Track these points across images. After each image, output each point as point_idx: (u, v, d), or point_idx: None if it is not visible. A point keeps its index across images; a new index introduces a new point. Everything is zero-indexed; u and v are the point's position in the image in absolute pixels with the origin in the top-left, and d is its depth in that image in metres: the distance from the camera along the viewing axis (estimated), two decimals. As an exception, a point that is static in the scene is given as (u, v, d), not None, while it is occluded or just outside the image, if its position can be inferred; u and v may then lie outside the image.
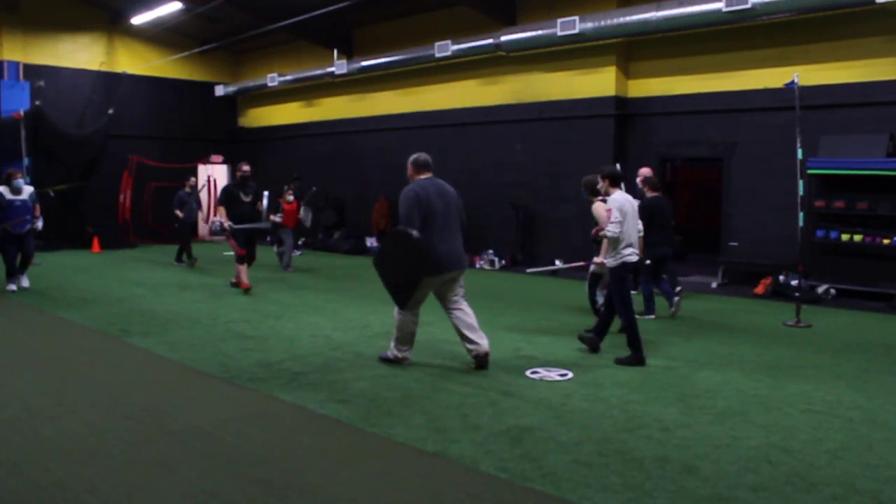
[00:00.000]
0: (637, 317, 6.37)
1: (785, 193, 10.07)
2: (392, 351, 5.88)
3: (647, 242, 7.63)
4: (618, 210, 5.99)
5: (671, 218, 8.36)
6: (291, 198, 12.56)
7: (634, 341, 5.97)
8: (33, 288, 9.60)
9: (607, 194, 6.31)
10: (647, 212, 7.62)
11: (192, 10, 14.91)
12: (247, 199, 9.64)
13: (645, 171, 8.49)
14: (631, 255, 6.10)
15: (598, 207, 6.88)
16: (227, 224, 9.40)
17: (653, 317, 8.01)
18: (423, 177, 5.60)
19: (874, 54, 9.61)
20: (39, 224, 9.63)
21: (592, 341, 6.38)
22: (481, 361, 5.69)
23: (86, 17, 16.71)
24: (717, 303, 9.50)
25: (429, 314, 8.26)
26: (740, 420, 4.56)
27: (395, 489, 3.52)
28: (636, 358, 5.96)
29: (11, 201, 9.19)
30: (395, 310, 5.77)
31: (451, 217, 5.54)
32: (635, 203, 6.37)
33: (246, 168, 9.80)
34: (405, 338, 5.81)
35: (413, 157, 5.74)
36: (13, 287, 9.35)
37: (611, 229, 5.98)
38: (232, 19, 15.94)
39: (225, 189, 9.93)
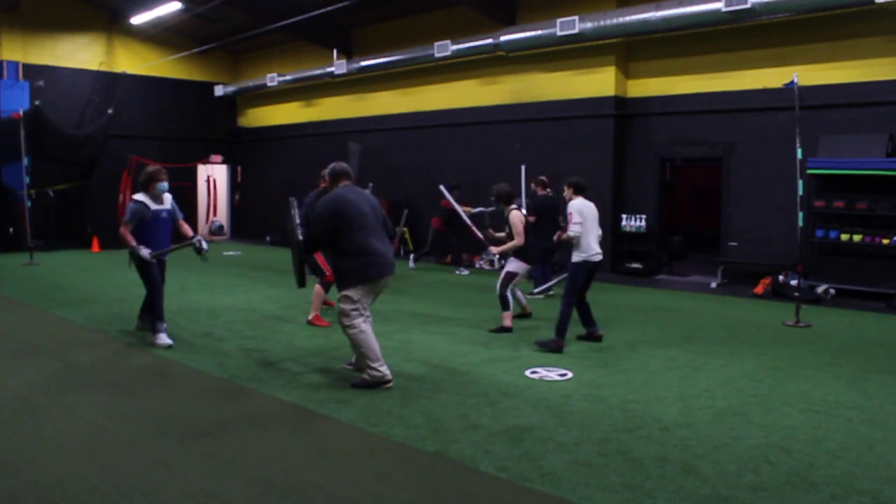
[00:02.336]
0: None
1: (784, 193, 10.08)
2: (368, 373, 5.23)
3: (538, 235, 8.67)
4: (577, 213, 6.60)
5: (559, 214, 9.49)
6: None
7: (563, 329, 6.47)
8: (33, 288, 9.58)
9: (570, 200, 6.84)
10: (538, 209, 9.35)
11: (192, 10, 14.90)
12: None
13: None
14: (596, 255, 6.63)
15: (514, 216, 7.45)
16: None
17: (542, 296, 9.26)
18: (341, 185, 5.41)
19: (874, 54, 9.61)
20: (205, 245, 6.73)
21: (556, 344, 6.47)
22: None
23: (85, 16, 16.70)
24: (716, 303, 9.50)
25: (430, 314, 8.27)
26: (740, 420, 4.56)
27: (394, 489, 3.52)
28: (557, 344, 6.42)
29: (157, 213, 6.51)
30: (350, 332, 5.25)
31: (378, 221, 5.37)
32: (594, 208, 6.86)
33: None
34: (373, 352, 5.22)
35: (329, 167, 5.58)
36: (165, 337, 6.52)
37: (573, 229, 6.54)
38: (231, 19, 15.92)
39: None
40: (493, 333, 7.20)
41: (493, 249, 7.76)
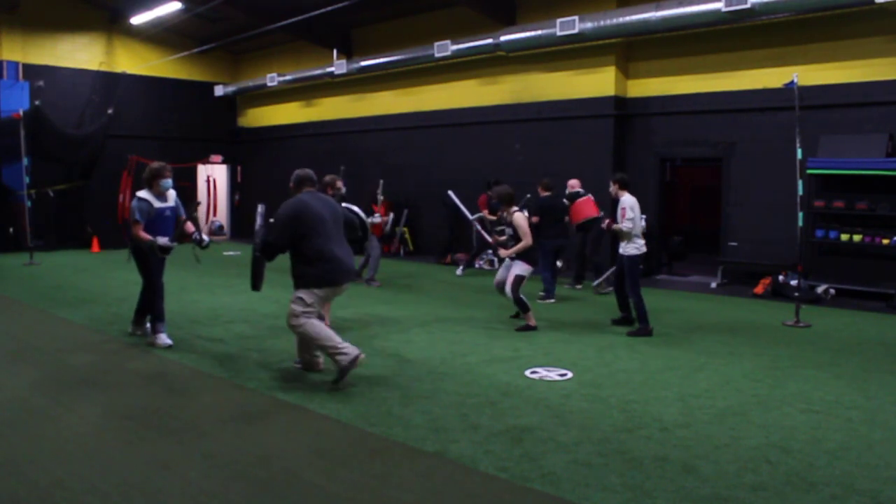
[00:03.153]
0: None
1: (784, 193, 10.08)
2: (336, 360, 5.16)
3: (543, 236, 9.03)
4: (630, 208, 7.17)
5: (564, 214, 9.77)
6: (381, 198, 11.01)
7: (644, 315, 7.17)
8: (33, 288, 9.59)
9: (618, 196, 7.41)
10: (541, 210, 9.45)
11: (192, 11, 14.90)
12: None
13: (572, 182, 10.30)
14: (643, 246, 7.34)
15: (518, 217, 7.57)
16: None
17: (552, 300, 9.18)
18: (304, 191, 5.45)
19: (874, 54, 9.61)
20: (206, 238, 6.84)
21: (644, 330, 7.17)
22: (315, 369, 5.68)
23: (85, 17, 16.70)
24: (716, 303, 9.50)
25: (429, 317, 8.27)
26: (740, 420, 4.56)
27: (394, 489, 3.52)
28: (647, 329, 7.14)
29: (161, 211, 6.44)
30: (299, 331, 5.30)
31: (338, 227, 5.41)
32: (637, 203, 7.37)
33: (340, 184, 7.78)
34: (330, 338, 5.19)
35: (295, 173, 5.60)
36: (165, 338, 6.52)
37: (626, 225, 7.14)
38: (231, 19, 15.92)
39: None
40: (517, 332, 7.29)
41: (503, 252, 7.70)
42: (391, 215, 11.52)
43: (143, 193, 6.40)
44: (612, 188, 7.50)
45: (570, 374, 5.62)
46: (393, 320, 7.88)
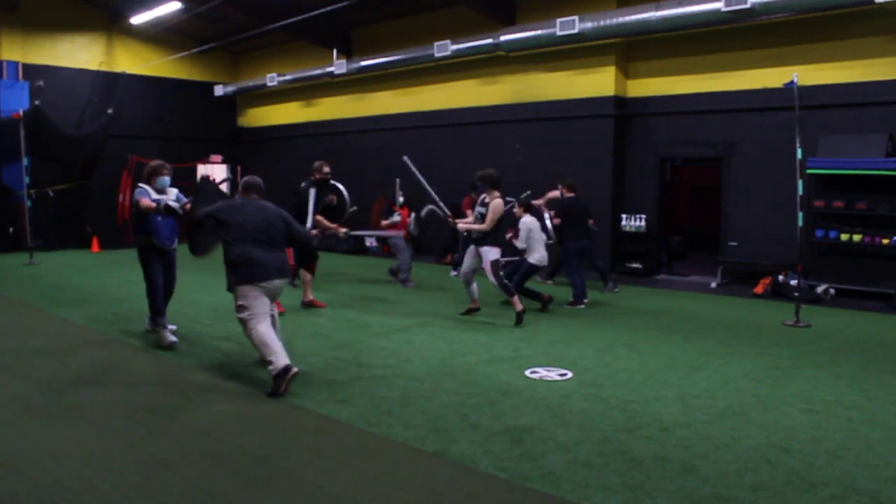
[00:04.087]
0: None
1: (784, 193, 10.08)
2: (269, 369, 5.18)
3: (567, 237, 9.10)
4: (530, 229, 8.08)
5: (587, 215, 9.57)
6: (402, 200, 10.94)
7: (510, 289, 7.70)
8: (33, 288, 9.58)
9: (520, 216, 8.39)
10: (565, 210, 9.32)
11: (192, 10, 14.89)
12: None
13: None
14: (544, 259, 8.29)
15: (497, 203, 7.61)
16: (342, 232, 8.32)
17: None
18: (248, 197, 5.71)
19: (873, 54, 9.61)
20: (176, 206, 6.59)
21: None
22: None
23: (85, 16, 16.69)
24: (716, 303, 9.50)
25: (429, 317, 8.27)
26: (740, 420, 4.56)
27: (394, 489, 3.53)
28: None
29: (157, 203, 6.52)
30: (248, 336, 5.35)
31: (271, 233, 5.46)
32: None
33: (327, 169, 8.47)
34: (267, 348, 5.19)
35: (243, 179, 5.86)
36: (171, 336, 6.57)
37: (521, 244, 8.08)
38: (231, 19, 15.92)
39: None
40: (516, 327, 7.44)
41: (462, 225, 8.02)
42: (413, 216, 11.38)
43: (143, 185, 6.58)
44: (517, 210, 8.39)
45: (570, 374, 5.62)
46: (393, 320, 7.88)
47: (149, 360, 6.10)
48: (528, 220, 8.42)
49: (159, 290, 6.63)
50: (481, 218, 7.73)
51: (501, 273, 7.75)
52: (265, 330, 5.28)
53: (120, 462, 3.83)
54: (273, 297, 5.52)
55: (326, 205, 8.58)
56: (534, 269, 8.39)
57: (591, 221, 9.69)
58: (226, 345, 6.64)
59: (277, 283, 5.44)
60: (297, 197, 8.40)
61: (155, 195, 6.49)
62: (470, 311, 8.09)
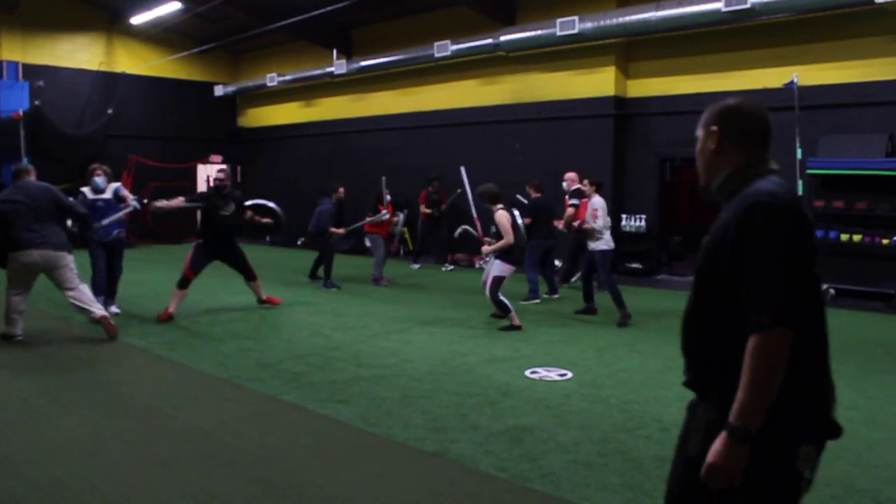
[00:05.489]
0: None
1: (784, 193, 10.06)
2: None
3: (534, 237, 9.13)
4: (601, 208, 8.00)
5: (552, 215, 9.68)
6: (389, 198, 10.93)
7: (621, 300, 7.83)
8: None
9: (591, 196, 8.26)
10: (533, 210, 9.44)
11: (192, 10, 14.90)
12: (226, 211, 8.41)
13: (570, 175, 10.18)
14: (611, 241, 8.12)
15: (501, 215, 7.58)
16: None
17: (538, 301, 9.13)
18: (20, 181, 6.54)
19: (873, 54, 9.61)
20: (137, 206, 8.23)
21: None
22: (104, 324, 6.70)
23: (85, 17, 16.70)
24: (716, 303, 9.47)
25: (429, 317, 8.27)
26: (740, 420, 4.55)
27: (394, 489, 3.52)
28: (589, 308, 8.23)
29: (93, 202, 7.89)
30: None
31: (40, 212, 6.48)
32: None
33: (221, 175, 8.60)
34: (7, 315, 6.47)
35: (14, 167, 6.79)
36: (114, 309, 7.99)
37: (598, 223, 7.85)
38: (231, 19, 15.92)
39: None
40: (501, 331, 7.31)
41: (485, 249, 7.75)
42: (401, 216, 11.35)
43: (83, 188, 8.08)
44: (586, 186, 8.50)
45: (570, 374, 5.62)
46: (393, 320, 7.88)
47: (148, 360, 6.10)
48: (598, 200, 8.25)
49: (101, 275, 7.99)
50: (497, 236, 7.55)
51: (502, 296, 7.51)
52: (13, 300, 6.48)
53: (120, 462, 3.83)
54: (34, 271, 6.49)
55: (251, 221, 8.98)
56: (608, 255, 8.10)
57: (556, 221, 9.72)
58: (225, 345, 6.63)
59: (48, 254, 6.47)
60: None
61: (91, 195, 7.90)
62: (511, 328, 7.39)
